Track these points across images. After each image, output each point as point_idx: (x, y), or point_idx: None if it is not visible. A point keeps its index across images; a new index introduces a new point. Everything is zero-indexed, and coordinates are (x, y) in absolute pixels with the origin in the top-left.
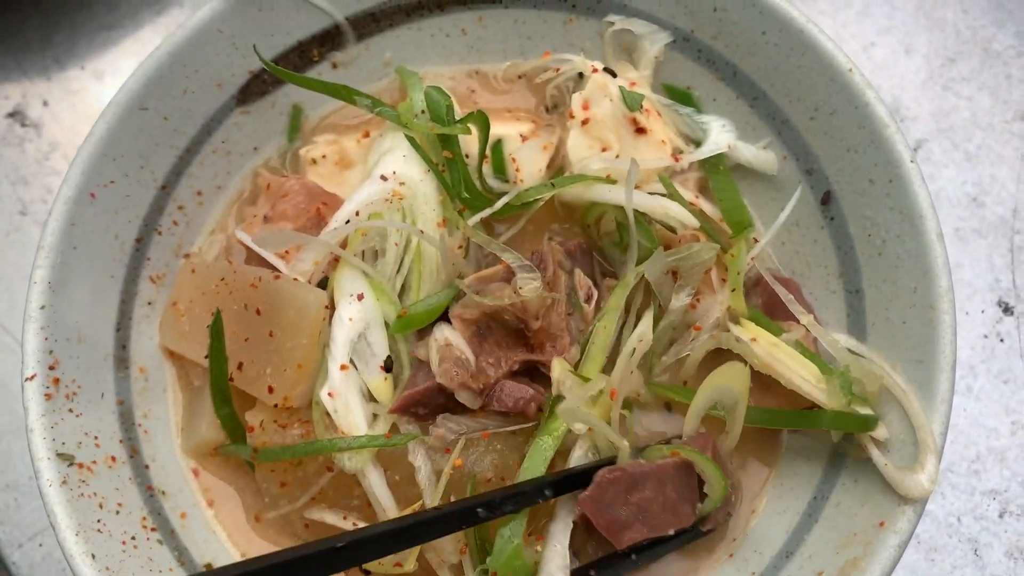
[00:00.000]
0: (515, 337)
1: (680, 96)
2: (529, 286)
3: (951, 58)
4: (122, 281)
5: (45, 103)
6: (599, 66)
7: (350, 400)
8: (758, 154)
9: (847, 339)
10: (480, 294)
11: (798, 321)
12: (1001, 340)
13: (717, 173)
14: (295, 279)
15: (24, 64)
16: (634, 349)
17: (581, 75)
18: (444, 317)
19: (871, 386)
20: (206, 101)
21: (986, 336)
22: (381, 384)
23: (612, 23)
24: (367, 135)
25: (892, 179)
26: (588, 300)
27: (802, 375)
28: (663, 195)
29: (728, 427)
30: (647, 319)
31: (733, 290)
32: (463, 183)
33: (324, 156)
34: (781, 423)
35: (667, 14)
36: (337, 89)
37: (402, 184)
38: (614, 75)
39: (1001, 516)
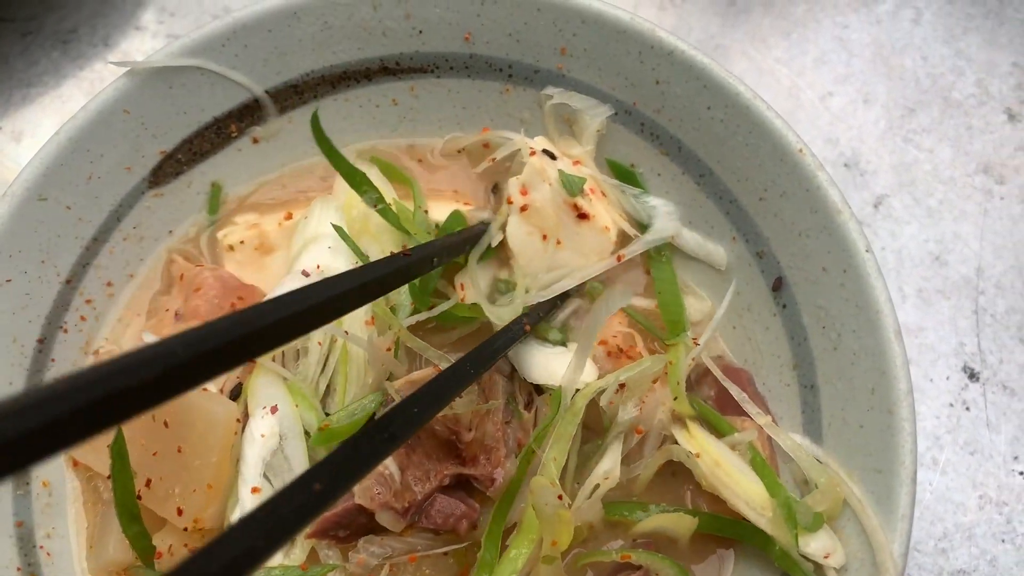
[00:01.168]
0: (446, 448)
1: (624, 175)
2: (464, 398)
3: (911, 108)
4: (23, 388)
5: None
6: (538, 147)
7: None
8: (705, 245)
9: (803, 440)
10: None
11: (751, 418)
12: (967, 408)
13: (659, 264)
14: (204, 389)
15: None
16: (597, 486)
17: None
18: None
19: (830, 501)
20: (114, 186)
21: (951, 404)
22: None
23: (550, 96)
24: (290, 217)
25: (846, 269)
26: (528, 407)
27: (747, 500)
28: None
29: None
30: (614, 453)
31: (675, 398)
32: (426, 286)
33: (242, 241)
34: (731, 534)
35: (608, 86)
36: (354, 175)
37: None
38: (553, 157)
39: None
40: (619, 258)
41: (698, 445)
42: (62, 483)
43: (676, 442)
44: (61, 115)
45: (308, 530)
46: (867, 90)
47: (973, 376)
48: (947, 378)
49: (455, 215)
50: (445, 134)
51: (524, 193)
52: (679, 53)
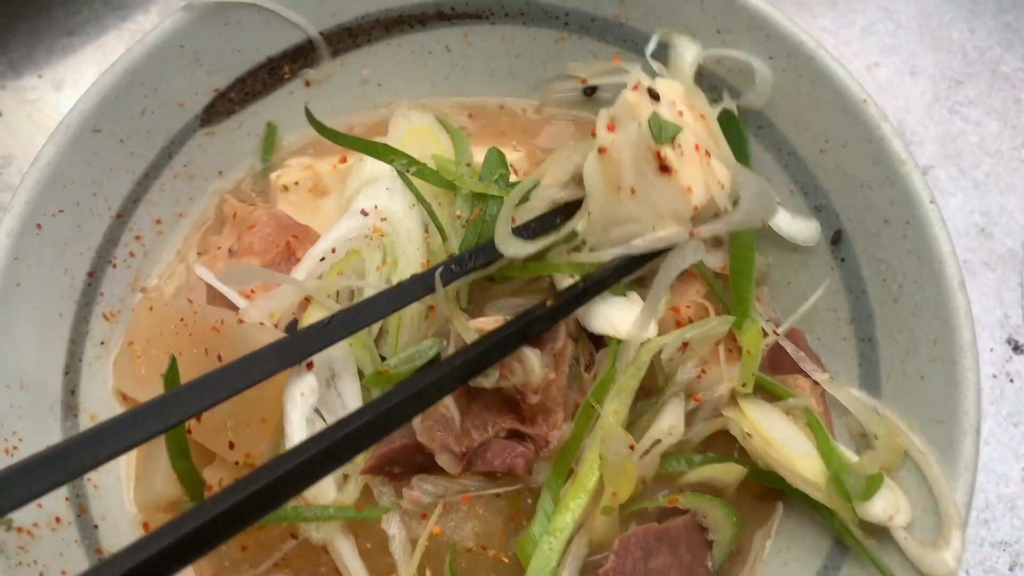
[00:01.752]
0: (506, 403)
1: (733, 132)
2: (536, 363)
3: (958, 80)
4: (72, 319)
5: (0, 113)
6: (644, 82)
7: None
8: (795, 223)
9: (859, 394)
10: None
11: (807, 375)
12: (1011, 380)
13: (740, 237)
14: (261, 324)
15: None
16: (658, 441)
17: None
18: None
19: (890, 454)
20: (167, 122)
21: (995, 376)
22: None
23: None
24: (344, 160)
25: (909, 220)
26: (588, 368)
27: (802, 477)
28: None
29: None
30: (676, 409)
31: (744, 384)
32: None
33: (297, 183)
34: (782, 485)
35: (665, 36)
36: (374, 147)
37: (384, 220)
38: (656, 97)
39: (1011, 569)
40: (692, 233)
41: (750, 425)
42: (111, 416)
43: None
44: (102, 65)
45: (363, 465)
46: (914, 61)
47: (1017, 348)
48: (991, 349)
49: (492, 152)
50: (497, 83)
51: (611, 128)
52: (742, 1)
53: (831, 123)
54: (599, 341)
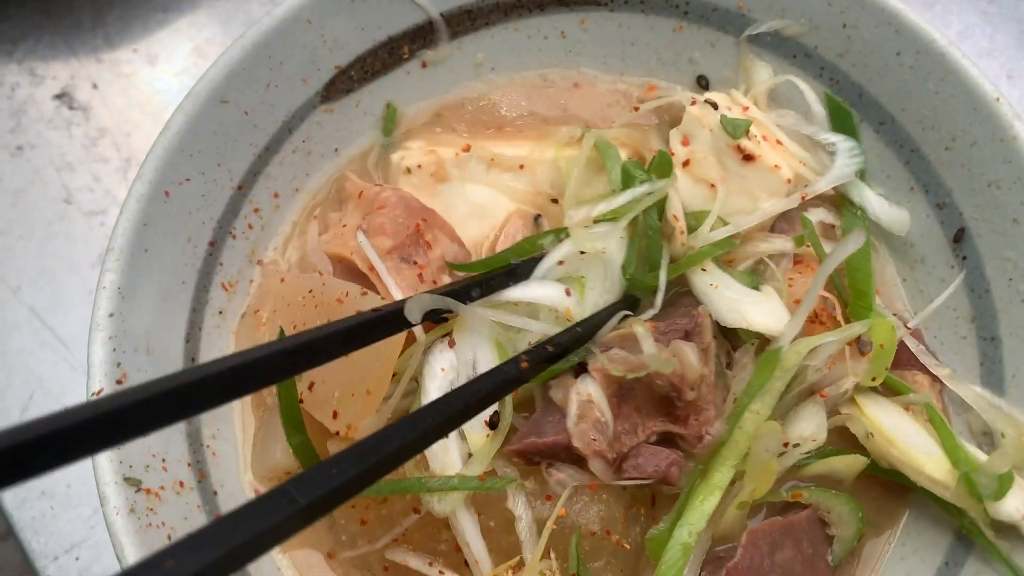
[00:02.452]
0: (657, 404)
1: (838, 112)
2: (693, 357)
3: None
4: (193, 288)
5: (95, 86)
6: (699, 97)
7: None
8: (887, 210)
9: (983, 391)
10: (622, 356)
11: (926, 371)
12: None
13: (852, 217)
14: (383, 297)
15: (74, 44)
16: (798, 444)
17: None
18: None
19: (1019, 452)
20: (289, 97)
21: None
22: (481, 440)
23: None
24: (467, 149)
25: None
26: (729, 366)
27: (928, 476)
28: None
29: None
30: (816, 414)
31: (873, 379)
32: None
33: (420, 166)
34: (906, 480)
35: (789, 29)
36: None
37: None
38: (715, 107)
39: None
40: (803, 197)
41: (870, 422)
42: None
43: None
44: (195, 42)
45: (510, 446)
46: (1011, 66)
47: None
48: None
49: (663, 157)
50: (610, 69)
51: (685, 143)
52: None
53: (959, 121)
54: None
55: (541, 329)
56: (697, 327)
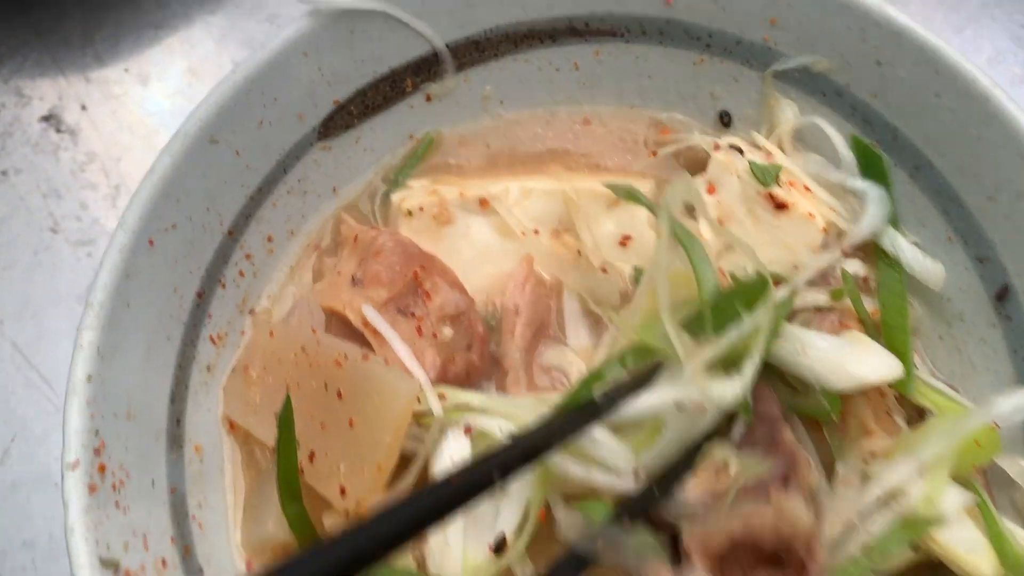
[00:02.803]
0: (761, 558)
1: (868, 156)
2: (804, 513)
3: None
4: (179, 343)
5: (83, 107)
6: (722, 143)
7: (450, 538)
8: (922, 260)
9: None
10: (714, 513)
11: None
12: None
13: (886, 266)
14: (386, 361)
15: (62, 62)
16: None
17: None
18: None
19: None
20: (284, 134)
21: None
22: (479, 565)
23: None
24: (464, 195)
25: None
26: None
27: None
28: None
29: None
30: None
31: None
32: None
33: (421, 208)
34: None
35: (818, 64)
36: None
37: None
38: (741, 152)
39: None
40: (844, 251)
41: None
42: (216, 447)
43: None
44: (189, 60)
45: None
46: None
47: None
48: None
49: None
50: (625, 103)
51: (712, 191)
52: (910, 33)
53: (1004, 169)
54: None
55: (607, 484)
56: (793, 465)
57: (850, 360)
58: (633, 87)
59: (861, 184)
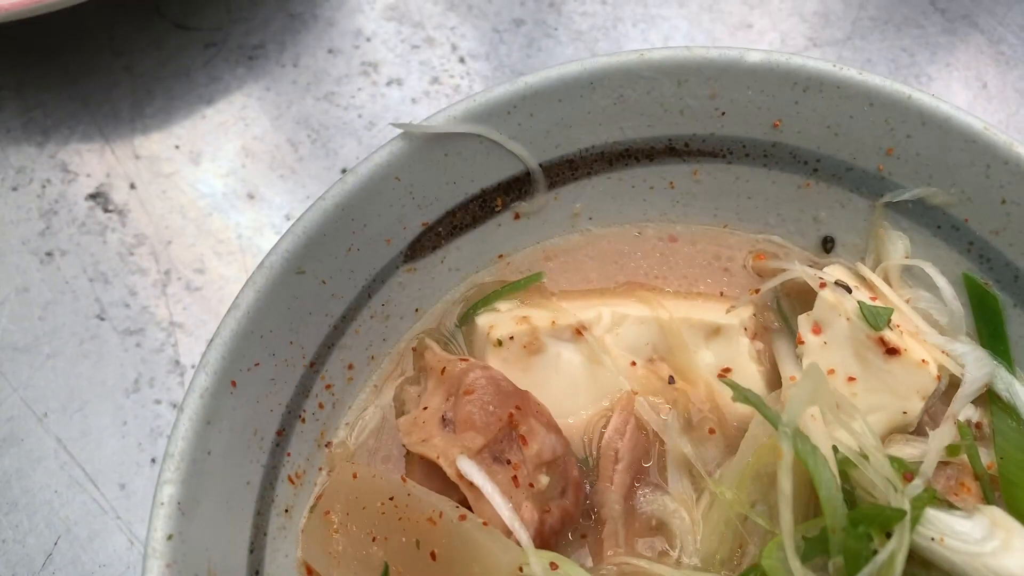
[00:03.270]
0: None
1: (983, 298)
2: None
3: None
4: (259, 487)
5: (132, 186)
6: (828, 278)
7: None
8: None
9: None
10: None
11: None
12: None
13: (1005, 427)
14: (486, 524)
15: (111, 137)
16: None
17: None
18: None
19: None
20: (371, 259)
21: None
22: None
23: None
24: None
25: None
26: None
27: None
28: None
29: None
30: None
31: None
32: None
33: (512, 337)
34: None
35: (936, 197)
36: None
37: None
38: (849, 290)
39: None
40: (937, 378)
41: None
42: None
43: None
44: (243, 138)
45: None
46: None
47: None
48: None
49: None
50: (720, 223)
51: (817, 332)
52: None
53: None
54: None
55: None
56: None
57: (997, 560)
58: (731, 206)
59: (960, 347)
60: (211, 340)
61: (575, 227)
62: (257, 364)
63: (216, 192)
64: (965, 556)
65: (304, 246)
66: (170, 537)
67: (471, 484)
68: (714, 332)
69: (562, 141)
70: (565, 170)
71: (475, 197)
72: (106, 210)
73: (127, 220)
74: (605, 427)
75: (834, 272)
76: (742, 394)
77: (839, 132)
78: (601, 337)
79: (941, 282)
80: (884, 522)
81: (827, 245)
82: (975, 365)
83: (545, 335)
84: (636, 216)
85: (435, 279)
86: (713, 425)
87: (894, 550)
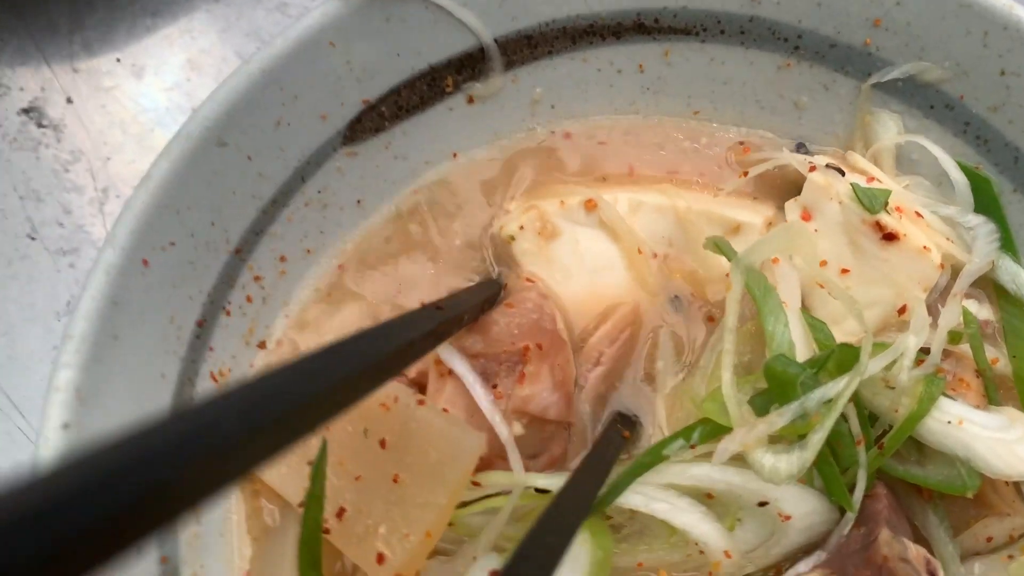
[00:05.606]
0: None
1: (976, 181)
2: None
3: None
4: (175, 382)
5: (69, 100)
6: (819, 162)
7: None
8: None
9: None
10: None
11: None
12: None
13: (1012, 313)
14: (445, 410)
15: (47, 50)
16: None
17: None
18: None
19: None
20: (304, 137)
21: None
22: None
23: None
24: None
25: None
26: None
27: None
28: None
29: None
30: None
31: None
32: None
33: (522, 227)
34: None
35: (928, 72)
36: None
37: None
38: (842, 173)
39: None
40: (940, 267)
41: None
42: (215, 505)
43: None
44: (189, 52)
45: None
46: None
47: None
48: None
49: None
50: (693, 110)
51: (807, 218)
52: None
53: None
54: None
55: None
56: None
57: (1022, 447)
58: (704, 92)
59: (973, 219)
60: (119, 213)
61: (535, 114)
62: (172, 243)
63: (159, 107)
64: (990, 441)
65: (226, 115)
66: (66, 426)
67: (444, 375)
68: (734, 230)
69: (519, 12)
70: (523, 47)
71: (423, 74)
72: (40, 125)
73: (63, 136)
74: (598, 326)
75: (824, 160)
76: (712, 241)
77: (822, 2)
78: (617, 214)
79: (940, 155)
80: (840, 363)
81: (800, 151)
82: (986, 240)
83: (556, 217)
84: (602, 105)
85: (379, 167)
86: (715, 315)
87: (831, 394)
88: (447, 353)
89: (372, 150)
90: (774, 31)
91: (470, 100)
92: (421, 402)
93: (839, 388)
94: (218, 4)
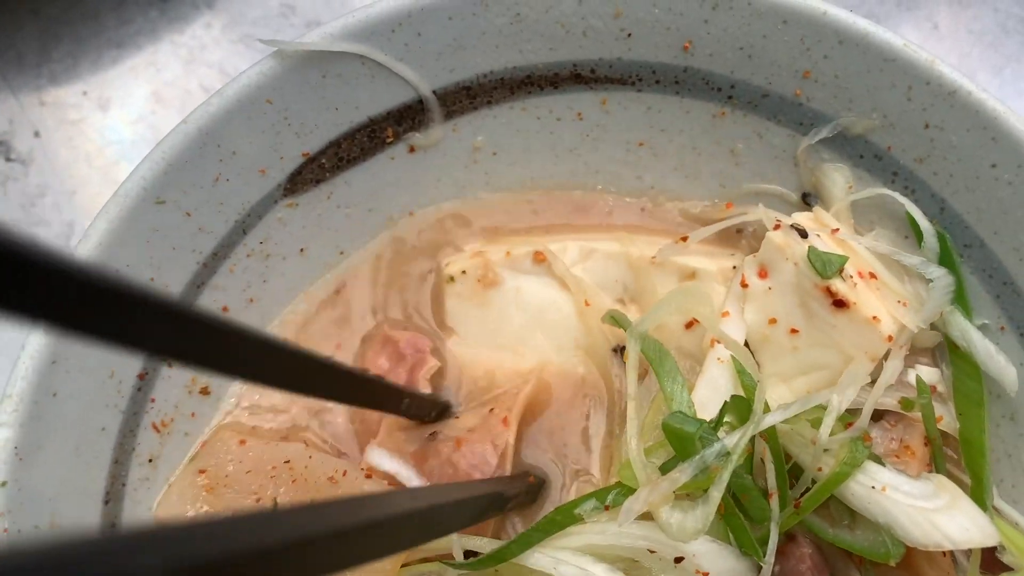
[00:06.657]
0: None
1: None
2: None
3: None
4: (116, 434)
5: (36, 134)
6: (784, 220)
7: None
8: (996, 359)
9: None
10: None
11: None
12: None
13: (962, 370)
14: (388, 484)
15: (14, 83)
16: None
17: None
18: None
19: None
20: (244, 191)
21: None
22: None
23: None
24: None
25: None
26: None
27: None
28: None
29: None
30: None
31: None
32: None
33: (464, 272)
34: None
35: (856, 124)
36: None
37: None
38: (804, 234)
39: None
40: (888, 339)
41: None
42: None
43: None
44: (154, 84)
45: None
46: None
47: None
48: None
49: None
50: (633, 158)
51: (763, 276)
52: (965, 94)
53: None
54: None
55: None
56: None
57: (941, 518)
58: (644, 139)
59: (935, 271)
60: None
61: (477, 162)
62: None
63: (124, 140)
64: (909, 509)
65: (164, 173)
66: (3, 484)
67: None
68: (689, 275)
69: (456, 65)
70: (462, 98)
71: (362, 126)
72: (8, 159)
73: (30, 170)
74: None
75: (801, 218)
76: (609, 315)
77: (753, 54)
78: (565, 265)
79: (908, 204)
80: (742, 416)
81: (808, 200)
82: (941, 292)
83: (500, 267)
84: (543, 150)
85: (321, 216)
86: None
87: (728, 448)
88: (378, 456)
89: (314, 200)
90: (708, 81)
91: (411, 150)
92: (368, 475)
93: (734, 440)
94: (182, 36)
